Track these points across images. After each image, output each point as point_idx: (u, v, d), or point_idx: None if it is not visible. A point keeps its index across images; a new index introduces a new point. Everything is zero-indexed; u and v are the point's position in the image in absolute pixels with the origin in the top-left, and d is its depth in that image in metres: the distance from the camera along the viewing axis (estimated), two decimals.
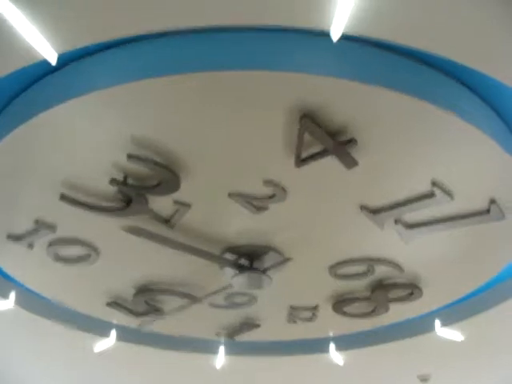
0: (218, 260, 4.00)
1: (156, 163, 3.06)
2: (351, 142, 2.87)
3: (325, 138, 2.84)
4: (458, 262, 4.24)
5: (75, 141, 3.01)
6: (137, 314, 4.93)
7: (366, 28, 2.43)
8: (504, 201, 3.50)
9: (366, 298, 4.68)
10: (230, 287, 4.31)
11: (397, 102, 2.71)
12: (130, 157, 3.00)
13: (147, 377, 6.81)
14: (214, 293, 4.49)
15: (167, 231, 3.74)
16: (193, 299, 4.64)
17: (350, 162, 3.01)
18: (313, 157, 2.97)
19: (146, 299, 4.70)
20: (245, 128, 2.89)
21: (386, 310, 4.83)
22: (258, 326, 5.33)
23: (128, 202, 3.38)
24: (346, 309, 4.84)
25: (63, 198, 3.32)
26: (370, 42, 2.66)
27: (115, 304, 4.79)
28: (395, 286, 4.54)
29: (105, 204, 3.42)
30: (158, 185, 3.23)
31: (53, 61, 2.53)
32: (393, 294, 4.65)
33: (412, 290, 4.60)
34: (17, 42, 2.46)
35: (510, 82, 2.78)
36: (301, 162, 3.00)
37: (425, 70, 2.87)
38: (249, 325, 5.31)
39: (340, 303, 4.75)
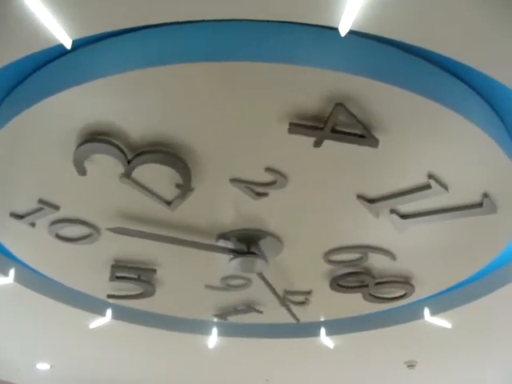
0: (214, 249, 4.07)
1: (163, 152, 3.17)
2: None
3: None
4: (449, 253, 4.35)
5: (78, 126, 3.09)
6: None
7: (373, 25, 2.51)
8: (496, 195, 3.60)
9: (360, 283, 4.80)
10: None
11: (398, 97, 2.79)
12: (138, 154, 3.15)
13: (141, 355, 6.92)
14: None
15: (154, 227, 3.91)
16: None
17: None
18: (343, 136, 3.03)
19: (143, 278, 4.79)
20: (250, 116, 2.96)
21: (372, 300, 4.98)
22: (258, 311, 5.46)
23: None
24: (342, 282, 4.87)
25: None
26: (375, 37, 2.74)
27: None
28: (389, 284, 4.70)
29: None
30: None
31: (68, 45, 2.60)
32: (385, 292, 4.83)
33: (405, 290, 4.78)
34: (31, 26, 2.53)
35: (505, 81, 2.86)
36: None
37: (427, 68, 2.96)
38: (246, 308, 5.43)
39: (336, 279, 4.80)
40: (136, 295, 5.04)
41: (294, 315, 4.86)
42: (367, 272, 4.66)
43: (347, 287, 4.90)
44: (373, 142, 3.01)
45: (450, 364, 7.05)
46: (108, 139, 3.14)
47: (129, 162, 3.25)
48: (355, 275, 4.70)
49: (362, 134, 2.97)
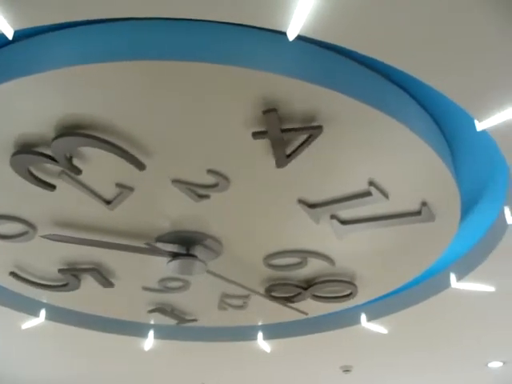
0: (151, 252, 4.00)
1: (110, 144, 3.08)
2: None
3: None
4: (388, 259, 4.41)
5: (17, 119, 2.99)
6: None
7: (319, 31, 2.51)
8: (434, 203, 3.67)
9: (298, 288, 4.79)
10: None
11: (339, 103, 2.81)
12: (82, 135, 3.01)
13: (75, 356, 6.77)
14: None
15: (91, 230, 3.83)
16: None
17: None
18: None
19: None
20: (194, 118, 2.94)
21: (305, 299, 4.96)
22: (191, 320, 5.44)
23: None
24: (276, 293, 4.92)
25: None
26: (320, 43, 2.77)
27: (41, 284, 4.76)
28: (332, 283, 4.69)
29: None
30: None
31: (9, 35, 2.51)
32: (328, 291, 4.83)
33: (351, 290, 4.79)
34: None
35: (443, 89, 2.91)
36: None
37: (368, 75, 2.99)
38: (179, 315, 5.39)
39: (271, 287, 4.82)
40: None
41: (297, 309, 4.74)
42: (301, 282, 4.71)
43: (283, 298, 4.96)
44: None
45: (385, 369, 7.16)
46: (36, 150, 3.12)
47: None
48: (288, 286, 4.75)
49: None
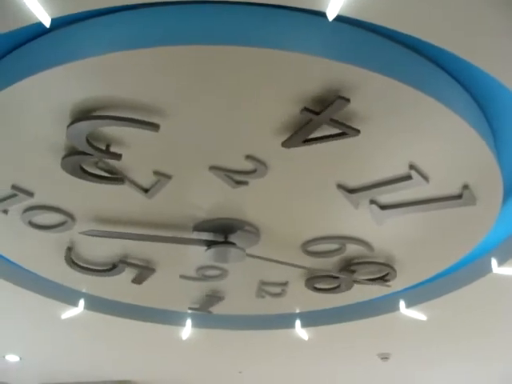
0: (189, 242, 4.02)
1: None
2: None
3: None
4: (427, 244, 4.35)
5: (56, 107, 2.99)
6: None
7: (359, 10, 2.46)
8: (476, 187, 3.60)
9: (336, 277, 4.76)
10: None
11: (383, 86, 2.76)
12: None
13: (113, 346, 6.84)
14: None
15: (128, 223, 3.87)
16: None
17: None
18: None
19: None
20: (232, 103, 2.91)
21: (349, 287, 4.92)
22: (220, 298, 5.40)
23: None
24: (318, 285, 4.92)
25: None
26: (362, 25, 2.72)
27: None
28: (369, 265, 4.62)
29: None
30: None
31: (47, 23, 2.51)
32: (365, 274, 4.77)
33: (388, 271, 4.69)
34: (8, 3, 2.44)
35: (490, 70, 2.85)
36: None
37: (410, 56, 2.92)
38: (215, 298, 5.37)
39: (312, 279, 4.83)
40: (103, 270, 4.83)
41: (381, 283, 4.69)
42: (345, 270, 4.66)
43: (325, 289, 4.95)
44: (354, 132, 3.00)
45: (423, 356, 7.09)
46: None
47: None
48: (331, 278, 4.74)
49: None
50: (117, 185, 3.53)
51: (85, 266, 4.70)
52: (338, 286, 4.92)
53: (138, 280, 4.88)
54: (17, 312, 5.79)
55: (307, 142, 3.07)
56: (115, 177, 3.48)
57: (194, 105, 2.93)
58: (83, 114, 2.97)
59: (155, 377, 8.21)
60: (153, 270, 4.78)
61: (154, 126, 2.95)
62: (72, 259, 4.56)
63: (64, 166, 3.33)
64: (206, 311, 5.50)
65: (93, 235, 3.78)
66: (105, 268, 4.76)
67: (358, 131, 2.97)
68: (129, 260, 4.61)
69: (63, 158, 3.28)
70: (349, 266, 4.64)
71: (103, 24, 2.75)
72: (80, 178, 3.43)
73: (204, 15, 2.64)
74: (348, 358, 7.24)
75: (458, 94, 3.17)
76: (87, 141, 3.09)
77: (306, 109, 2.84)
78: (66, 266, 4.64)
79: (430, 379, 8.16)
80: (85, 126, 2.98)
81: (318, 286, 4.94)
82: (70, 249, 4.45)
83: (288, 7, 2.60)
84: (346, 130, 2.97)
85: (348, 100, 2.78)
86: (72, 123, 2.96)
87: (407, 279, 4.97)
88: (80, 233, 3.88)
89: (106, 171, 3.45)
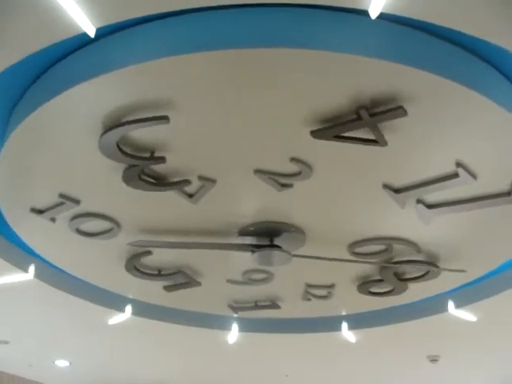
0: (235, 248, 4.06)
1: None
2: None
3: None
4: (474, 244, 4.27)
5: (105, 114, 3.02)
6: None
7: (403, 7, 2.44)
8: None
9: (386, 278, 4.72)
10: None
11: (429, 83, 2.72)
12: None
13: (160, 351, 6.90)
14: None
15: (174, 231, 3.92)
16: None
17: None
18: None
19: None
20: (275, 104, 2.90)
21: (404, 289, 4.88)
22: (276, 306, 5.40)
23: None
24: (372, 289, 4.93)
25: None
26: (407, 22, 2.68)
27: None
28: (412, 263, 4.54)
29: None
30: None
31: (91, 33, 2.55)
32: (409, 272, 4.71)
33: (429, 268, 4.59)
34: (54, 15, 2.48)
35: None
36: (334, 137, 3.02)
37: (456, 51, 2.87)
38: (264, 304, 5.38)
39: (365, 284, 4.84)
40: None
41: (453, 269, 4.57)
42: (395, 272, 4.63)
43: (380, 293, 4.95)
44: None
45: (474, 358, 6.98)
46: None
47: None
48: (384, 281, 4.73)
49: None
50: (165, 191, 3.55)
51: (146, 271, 4.74)
52: (393, 290, 4.90)
53: (171, 288, 4.95)
54: (65, 318, 5.87)
55: (337, 137, 3.03)
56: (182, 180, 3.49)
57: (239, 108, 2.93)
58: (113, 123, 3.01)
59: (202, 381, 8.24)
60: (198, 283, 4.88)
61: (165, 119, 2.93)
62: (135, 265, 4.60)
63: (124, 179, 3.39)
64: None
65: (140, 245, 3.82)
66: (161, 273, 4.79)
67: (386, 143, 2.99)
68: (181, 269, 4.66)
69: (124, 170, 3.33)
70: (395, 267, 4.59)
71: (146, 31, 2.77)
72: (137, 187, 3.47)
73: (255, 18, 2.64)
74: (396, 361, 7.16)
75: (508, 91, 3.10)
76: (119, 148, 3.14)
77: (364, 107, 2.83)
78: (114, 271, 4.69)
79: (480, 382, 8.02)
80: (114, 134, 3.03)
81: (372, 289, 4.93)
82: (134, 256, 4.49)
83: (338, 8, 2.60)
84: (380, 139, 2.98)
85: (405, 112, 2.79)
86: (103, 133, 3.03)
87: (455, 279, 4.88)
88: (128, 244, 3.92)
89: (151, 178, 3.48)
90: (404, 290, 4.88)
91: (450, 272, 4.52)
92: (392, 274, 4.63)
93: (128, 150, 3.20)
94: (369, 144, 3.03)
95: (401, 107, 2.80)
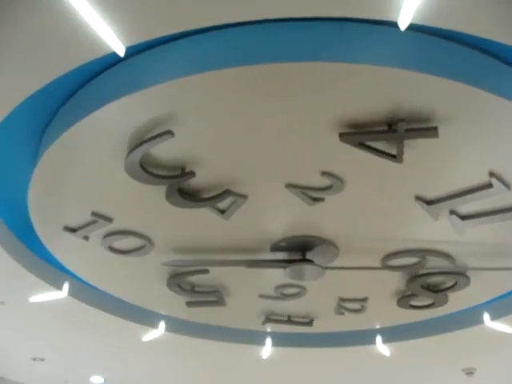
0: (268, 265, 4.08)
1: None
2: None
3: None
4: (509, 253, 4.20)
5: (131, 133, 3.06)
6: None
7: (434, 17, 2.43)
8: None
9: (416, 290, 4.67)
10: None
11: (461, 93, 2.70)
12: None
13: (194, 367, 6.89)
14: None
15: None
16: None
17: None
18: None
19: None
20: (307, 118, 2.91)
21: (445, 302, 4.85)
22: (309, 324, 5.41)
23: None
24: (413, 302, 4.91)
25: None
26: (436, 32, 2.66)
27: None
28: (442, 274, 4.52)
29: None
30: None
31: (121, 53, 2.58)
32: (439, 283, 4.68)
33: (457, 279, 4.55)
34: (83, 35, 2.52)
35: None
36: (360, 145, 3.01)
37: (489, 62, 2.85)
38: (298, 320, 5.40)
39: (405, 298, 4.82)
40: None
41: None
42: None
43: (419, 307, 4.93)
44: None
45: (510, 371, 6.84)
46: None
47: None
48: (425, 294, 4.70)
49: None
50: (202, 207, 3.57)
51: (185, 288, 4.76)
52: (433, 303, 4.88)
53: (193, 304, 4.97)
54: (99, 335, 5.91)
55: (361, 145, 3.00)
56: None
57: (269, 122, 2.94)
58: (137, 143, 3.05)
59: None
60: (224, 303, 4.93)
61: (170, 134, 2.95)
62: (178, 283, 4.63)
63: (166, 195, 3.41)
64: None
65: (175, 265, 3.83)
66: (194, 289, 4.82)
67: (402, 160, 2.99)
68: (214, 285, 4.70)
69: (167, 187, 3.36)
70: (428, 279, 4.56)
71: (176, 48, 2.80)
72: (176, 204, 3.50)
73: (283, 33, 2.65)
74: (432, 374, 7.05)
75: None
76: (143, 169, 3.19)
77: (403, 121, 2.82)
78: (147, 288, 4.72)
79: None
80: (136, 154, 3.07)
81: (412, 303, 4.90)
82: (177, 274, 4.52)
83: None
84: (399, 155, 2.98)
85: (437, 134, 2.81)
86: (128, 154, 3.08)
87: (490, 290, 4.82)
88: (163, 263, 3.94)
89: (188, 195, 3.50)
90: (445, 302, 4.83)
91: (486, 283, 4.49)
92: (422, 285, 4.60)
93: (158, 171, 3.24)
94: (385, 157, 3.02)
95: (435, 128, 2.80)
